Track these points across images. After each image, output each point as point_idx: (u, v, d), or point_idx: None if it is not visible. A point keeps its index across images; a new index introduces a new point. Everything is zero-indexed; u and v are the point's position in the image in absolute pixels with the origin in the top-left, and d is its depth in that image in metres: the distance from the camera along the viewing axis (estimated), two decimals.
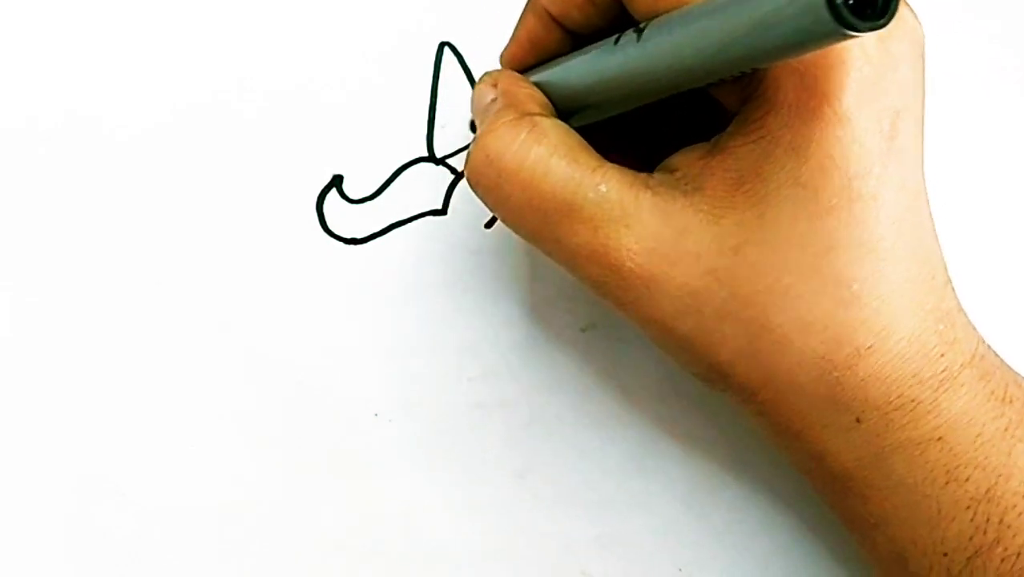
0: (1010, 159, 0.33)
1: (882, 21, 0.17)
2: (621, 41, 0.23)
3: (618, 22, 0.24)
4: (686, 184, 0.22)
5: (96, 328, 0.30)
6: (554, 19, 0.26)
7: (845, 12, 0.17)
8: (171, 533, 0.29)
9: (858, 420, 0.22)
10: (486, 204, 0.25)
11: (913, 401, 0.22)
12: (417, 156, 0.31)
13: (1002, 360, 0.24)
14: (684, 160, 0.23)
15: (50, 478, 0.29)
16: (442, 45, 0.32)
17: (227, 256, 0.30)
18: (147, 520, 0.29)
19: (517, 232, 0.24)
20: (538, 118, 0.24)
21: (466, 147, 0.31)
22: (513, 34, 0.27)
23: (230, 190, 0.31)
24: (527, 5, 0.27)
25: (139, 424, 0.29)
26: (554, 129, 0.24)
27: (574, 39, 0.26)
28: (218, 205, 0.30)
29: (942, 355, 0.22)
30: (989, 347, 0.24)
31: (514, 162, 0.23)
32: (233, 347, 0.30)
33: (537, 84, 0.26)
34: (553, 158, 0.23)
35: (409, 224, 0.31)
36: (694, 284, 0.22)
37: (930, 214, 0.23)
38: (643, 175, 0.23)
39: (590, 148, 0.24)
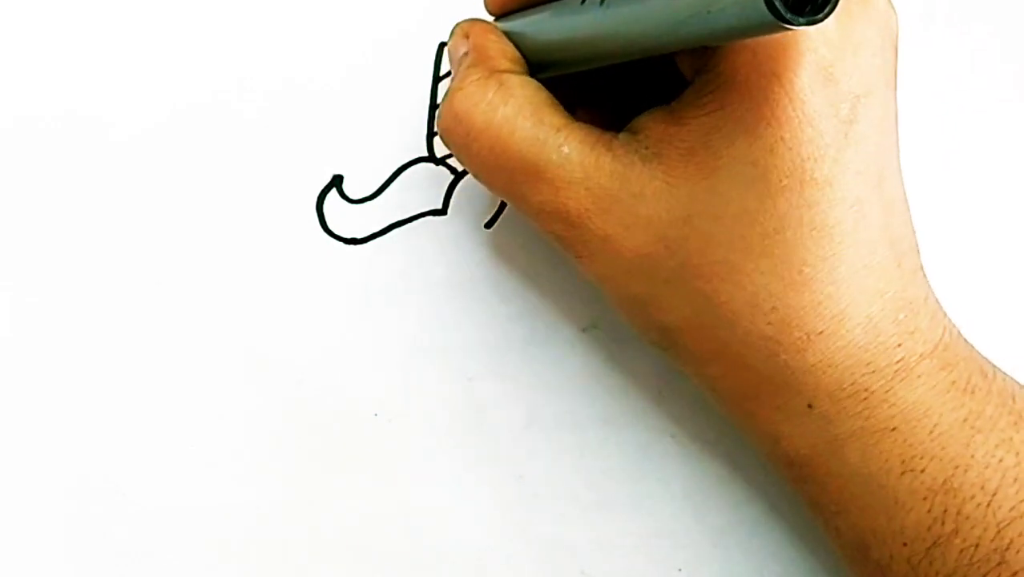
0: (997, 157, 0.33)
1: (819, 16, 0.17)
2: (587, 2, 0.23)
3: None
4: (646, 148, 0.23)
5: (96, 328, 0.30)
6: None
7: (780, 6, 0.17)
8: (171, 533, 0.29)
9: (810, 406, 0.22)
10: (456, 158, 0.26)
11: (866, 390, 0.22)
12: (417, 156, 0.31)
13: (971, 349, 0.23)
14: (647, 123, 0.23)
15: (50, 478, 0.29)
16: (442, 45, 0.32)
17: (227, 256, 0.30)
18: (147, 520, 0.29)
19: (487, 187, 0.25)
20: (506, 76, 0.24)
21: None
22: None
23: (230, 190, 0.30)
24: None
25: (139, 424, 0.29)
26: (521, 88, 0.24)
27: None
28: (218, 205, 0.30)
29: (899, 344, 0.22)
30: (959, 335, 0.23)
31: (481, 121, 0.24)
32: (233, 347, 0.30)
33: (509, 34, 0.26)
34: (519, 118, 0.23)
35: (409, 224, 0.31)
36: (646, 249, 0.22)
37: (903, 199, 0.23)
38: (607, 135, 0.23)
39: (557, 106, 0.24)
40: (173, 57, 0.31)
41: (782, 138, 0.21)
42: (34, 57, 0.31)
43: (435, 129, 0.31)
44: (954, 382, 0.22)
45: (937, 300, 0.23)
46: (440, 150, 0.31)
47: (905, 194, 0.23)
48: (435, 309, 0.30)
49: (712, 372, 0.23)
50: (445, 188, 0.31)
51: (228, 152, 0.31)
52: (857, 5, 0.22)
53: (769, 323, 0.22)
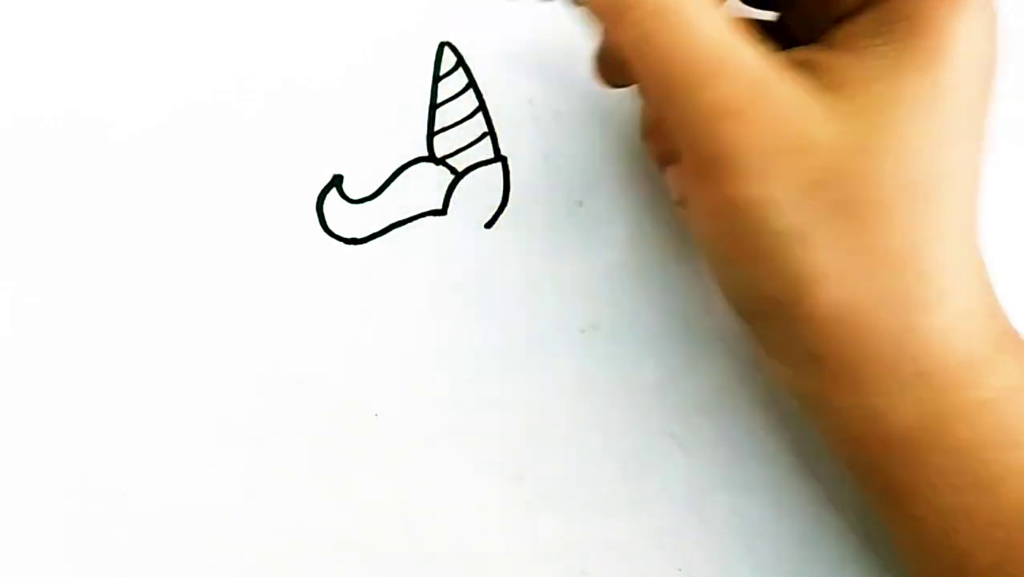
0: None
1: None
2: None
3: None
4: (817, 79, 0.22)
5: (96, 328, 0.30)
6: None
7: None
8: (171, 533, 0.29)
9: (920, 374, 0.21)
10: (624, 36, 0.22)
11: (980, 359, 0.21)
12: (417, 156, 0.31)
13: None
14: (808, 56, 0.22)
15: (50, 478, 0.29)
16: (442, 45, 0.32)
17: (227, 256, 0.30)
18: (147, 520, 0.29)
19: (650, 72, 0.22)
20: None
21: (467, 147, 0.31)
22: None
23: (230, 190, 0.30)
24: None
25: (139, 424, 0.29)
26: None
27: None
28: (218, 205, 0.30)
29: (995, 316, 0.22)
30: None
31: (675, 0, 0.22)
32: (233, 347, 0.30)
33: None
34: (710, 13, 0.22)
35: (409, 224, 0.31)
36: (816, 175, 0.21)
37: None
38: (784, 57, 0.23)
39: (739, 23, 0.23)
40: (173, 57, 0.31)
41: (958, 83, 0.21)
42: (35, 58, 0.31)
43: (435, 129, 0.31)
44: None
45: None
46: (440, 150, 0.31)
47: None
48: (435, 309, 0.30)
49: (834, 335, 0.22)
50: (445, 188, 0.31)
51: (228, 152, 0.31)
52: None
53: (909, 275, 0.21)
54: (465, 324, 0.30)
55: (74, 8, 0.31)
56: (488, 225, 0.31)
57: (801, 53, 0.23)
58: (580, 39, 0.33)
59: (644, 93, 0.23)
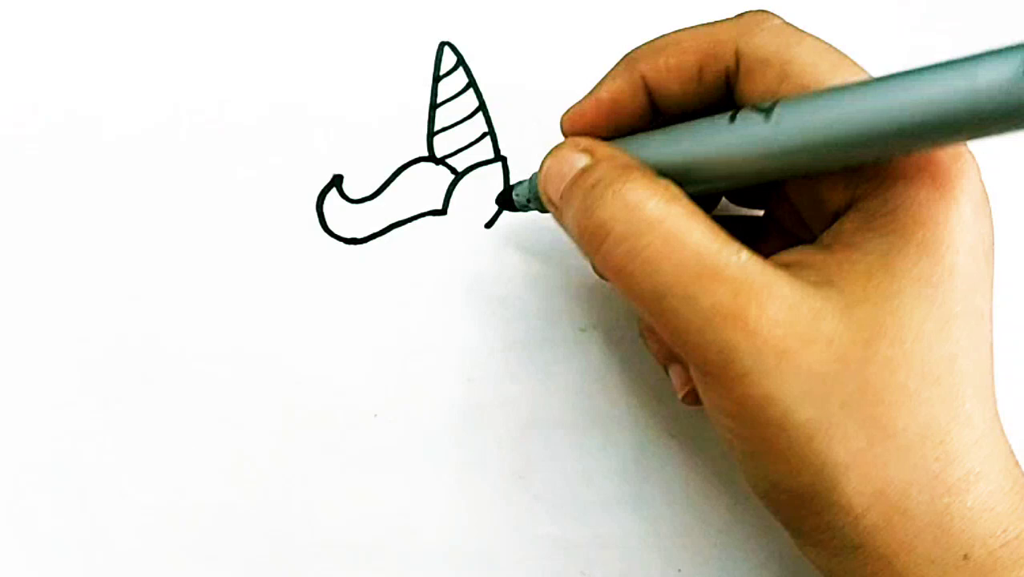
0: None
1: None
2: (740, 118, 0.22)
3: (713, 107, 0.24)
4: (811, 276, 0.22)
5: (96, 328, 0.30)
6: (647, 89, 0.25)
7: None
8: (171, 533, 0.29)
9: (966, 556, 0.21)
10: (608, 257, 0.22)
11: (1017, 537, 0.21)
12: (417, 156, 0.31)
13: None
14: (798, 257, 0.23)
15: (50, 478, 0.29)
16: (442, 45, 0.32)
17: (227, 256, 0.30)
18: (147, 520, 0.29)
19: (639, 287, 0.22)
20: (667, 181, 0.23)
21: (467, 147, 0.31)
22: (590, 94, 0.26)
23: (230, 190, 0.30)
24: (617, 68, 0.26)
25: (139, 424, 0.29)
26: (684, 195, 0.23)
27: (656, 116, 0.25)
28: (218, 205, 0.30)
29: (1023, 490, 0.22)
30: None
31: (657, 212, 0.22)
32: (233, 347, 0.30)
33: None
34: (694, 219, 0.22)
35: (409, 224, 0.31)
36: (825, 368, 0.21)
37: None
38: (771, 260, 0.23)
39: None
40: (173, 57, 0.31)
41: (959, 264, 0.21)
42: (36, 59, 0.31)
43: (435, 129, 0.31)
44: None
45: None
46: (440, 150, 0.31)
47: None
48: (435, 309, 0.30)
49: (868, 522, 0.21)
50: (445, 188, 0.31)
51: (228, 152, 0.31)
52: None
53: (937, 458, 0.21)
54: (465, 324, 0.30)
55: (76, 11, 0.31)
56: (488, 225, 0.31)
57: (791, 255, 0.23)
58: (580, 39, 0.33)
59: (637, 307, 0.23)
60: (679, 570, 0.29)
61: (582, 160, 0.24)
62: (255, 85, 0.31)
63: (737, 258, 0.21)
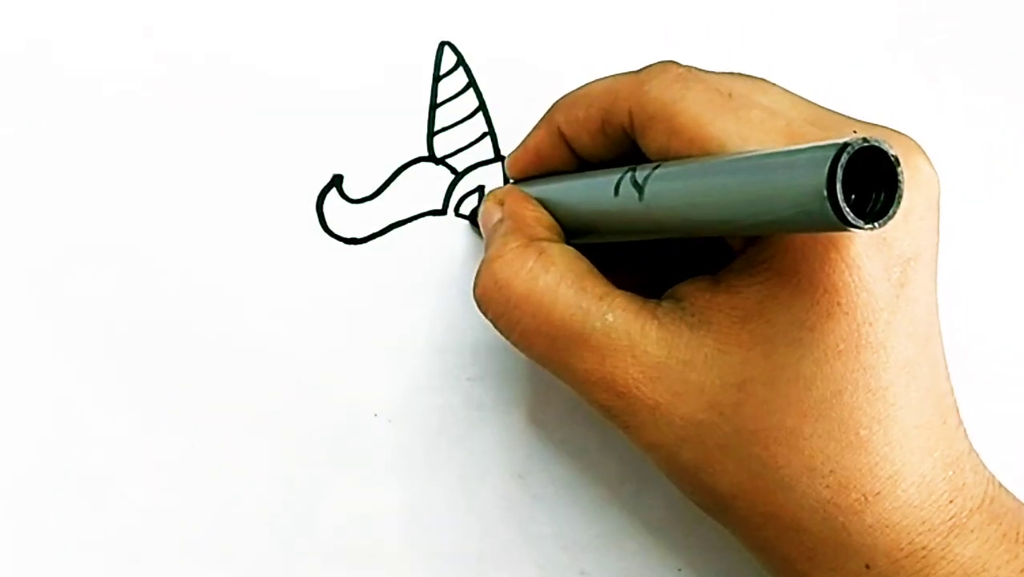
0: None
1: (881, 221, 0.18)
2: (621, 192, 0.23)
3: (627, 155, 0.25)
4: (692, 316, 0.23)
5: (96, 328, 0.30)
6: (564, 139, 0.26)
7: (848, 213, 0.17)
8: (171, 533, 0.29)
9: (868, 567, 0.22)
10: (493, 326, 0.25)
11: (924, 549, 0.22)
12: (417, 156, 0.31)
13: (1014, 498, 0.24)
14: (690, 291, 0.23)
15: (50, 478, 0.29)
16: (442, 45, 0.32)
17: (227, 256, 0.30)
18: (147, 520, 0.29)
19: (526, 354, 0.25)
20: (545, 244, 0.24)
21: (467, 147, 0.31)
22: (523, 141, 0.28)
23: (230, 190, 0.30)
24: (543, 117, 0.27)
25: (139, 424, 0.29)
26: (561, 256, 0.24)
27: (580, 161, 0.27)
28: (218, 204, 0.30)
29: (951, 501, 0.22)
30: (1001, 486, 0.23)
31: (523, 288, 0.24)
32: (233, 347, 0.30)
33: (540, 199, 0.27)
34: (561, 286, 0.23)
35: (409, 224, 0.31)
36: (698, 416, 0.22)
37: (943, 357, 0.23)
38: (650, 303, 0.23)
39: (597, 274, 0.24)
40: (173, 57, 0.31)
41: (839, 303, 0.21)
42: (37, 60, 0.31)
43: (435, 129, 0.31)
44: (1005, 534, 0.22)
45: (977, 454, 0.23)
46: (440, 150, 0.31)
47: (943, 349, 0.23)
48: (435, 309, 0.30)
49: (766, 535, 0.23)
50: (445, 188, 0.31)
51: (228, 152, 0.31)
52: (905, 171, 0.22)
53: (827, 486, 0.21)
54: (465, 324, 0.30)
55: (77, 13, 0.31)
56: None
57: (686, 286, 0.24)
58: (580, 39, 0.33)
59: None
60: (679, 570, 0.30)
61: (496, 214, 0.27)
62: (255, 85, 0.31)
63: (602, 322, 0.23)
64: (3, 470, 0.29)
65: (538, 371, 0.30)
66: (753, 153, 0.20)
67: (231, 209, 0.30)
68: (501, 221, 0.26)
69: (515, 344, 0.25)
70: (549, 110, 0.27)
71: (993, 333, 0.32)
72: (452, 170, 0.31)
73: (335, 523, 0.29)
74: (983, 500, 0.22)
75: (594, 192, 0.25)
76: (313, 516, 0.29)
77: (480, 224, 0.28)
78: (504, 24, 0.32)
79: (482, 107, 0.32)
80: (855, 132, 0.22)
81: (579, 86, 0.27)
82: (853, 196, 0.17)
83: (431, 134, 0.31)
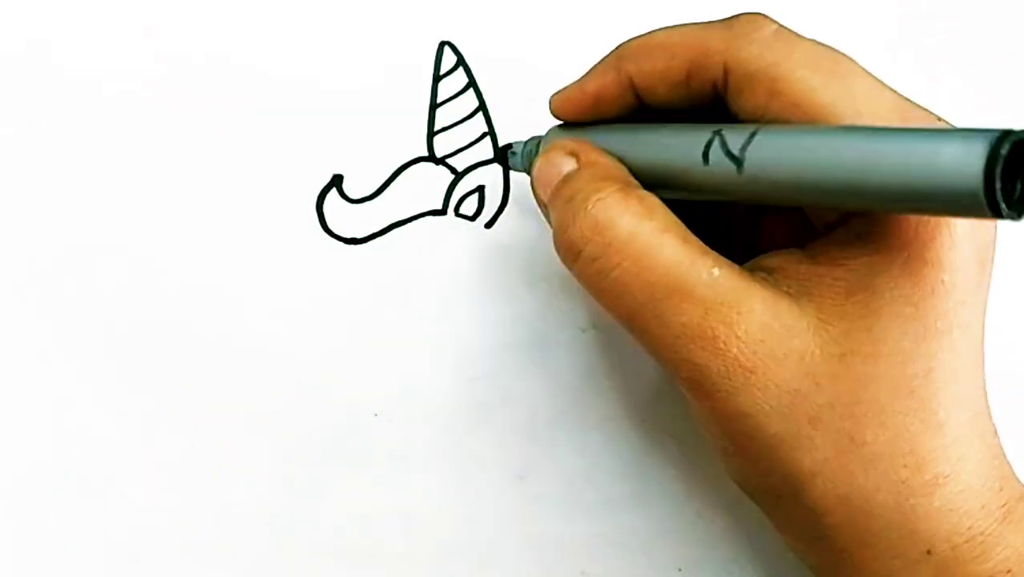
0: None
1: (1021, 213, 0.17)
2: (712, 160, 0.22)
3: (705, 109, 0.24)
4: (789, 287, 0.22)
5: (96, 328, 0.30)
6: (635, 88, 0.25)
7: (1003, 203, 0.17)
8: (171, 533, 0.29)
9: (929, 552, 0.22)
10: (582, 274, 0.23)
11: (982, 533, 0.22)
12: (417, 156, 0.31)
13: None
14: (781, 263, 0.23)
15: (50, 478, 0.29)
16: (442, 45, 0.32)
17: (227, 255, 0.30)
18: (147, 520, 0.29)
19: (612, 305, 0.23)
20: (643, 193, 0.23)
21: (467, 147, 0.31)
22: (579, 82, 0.26)
23: (230, 190, 0.30)
24: (607, 59, 0.26)
25: (139, 424, 0.29)
26: (661, 207, 0.23)
27: (642, 109, 0.25)
28: (218, 204, 0.30)
29: (1001, 489, 0.22)
30: None
31: (626, 232, 0.22)
32: (233, 347, 0.30)
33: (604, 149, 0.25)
34: (667, 234, 0.22)
35: (409, 224, 0.31)
36: (795, 384, 0.22)
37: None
38: (747, 268, 0.23)
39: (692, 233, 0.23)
40: (173, 58, 0.31)
41: (942, 280, 0.21)
42: (37, 61, 0.31)
43: (435, 129, 0.31)
44: None
45: None
46: (440, 150, 0.31)
47: None
48: (435, 309, 0.30)
49: (833, 520, 0.22)
50: (445, 188, 0.31)
51: (229, 152, 0.31)
52: None
53: (905, 465, 0.21)
54: (465, 324, 0.30)
55: (78, 16, 0.31)
56: (488, 225, 0.31)
57: (773, 258, 0.23)
58: (581, 39, 0.33)
59: (614, 317, 0.23)
60: (679, 569, 0.30)
61: (568, 165, 0.24)
62: (255, 85, 0.31)
63: (708, 275, 0.22)
64: (3, 470, 0.29)
65: (538, 371, 0.30)
66: (894, 128, 0.20)
67: (231, 209, 0.30)
68: (579, 169, 0.24)
69: (605, 291, 0.23)
70: (613, 54, 0.25)
71: (992, 331, 0.32)
72: (452, 170, 0.31)
73: (335, 523, 0.29)
74: (1023, 494, 0.23)
75: (677, 153, 0.23)
76: (313, 516, 0.29)
77: (539, 176, 0.25)
78: (504, 24, 0.32)
79: (482, 107, 0.32)
80: (940, 121, 0.22)
81: (649, 33, 0.25)
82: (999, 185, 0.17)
83: (431, 134, 0.31)
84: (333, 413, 0.30)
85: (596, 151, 0.25)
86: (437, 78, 0.32)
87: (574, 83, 0.26)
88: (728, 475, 0.25)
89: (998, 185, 0.17)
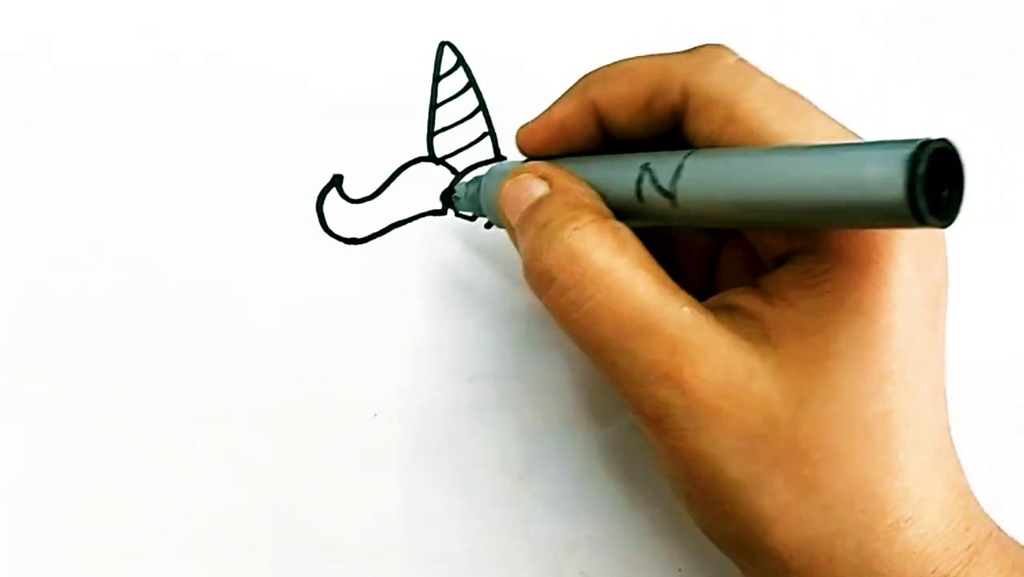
0: None
1: (947, 221, 0.18)
2: (646, 196, 0.22)
3: (663, 138, 0.24)
4: (750, 328, 0.22)
5: (96, 327, 0.30)
6: (597, 115, 0.25)
7: (925, 210, 0.17)
8: (171, 533, 0.29)
9: None
10: (552, 303, 0.23)
11: (948, 575, 0.21)
12: (417, 156, 0.31)
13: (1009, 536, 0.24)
14: (743, 302, 0.23)
15: (50, 478, 0.29)
16: (442, 45, 0.32)
17: (227, 255, 0.30)
18: (147, 520, 0.29)
19: (580, 337, 0.23)
20: (617, 224, 0.23)
21: (467, 147, 0.31)
22: (544, 113, 0.26)
23: (230, 190, 0.30)
24: (573, 89, 0.26)
25: (138, 424, 0.29)
26: (634, 240, 0.23)
27: (607, 140, 0.26)
28: (218, 205, 0.30)
29: (967, 528, 0.22)
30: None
31: (601, 265, 0.22)
32: (233, 347, 0.30)
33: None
34: (640, 269, 0.22)
35: (409, 224, 0.31)
36: (755, 428, 0.21)
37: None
38: (713, 307, 0.23)
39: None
40: (173, 58, 0.31)
41: (894, 323, 0.21)
42: (38, 63, 0.31)
43: (435, 129, 0.31)
44: (1015, 564, 0.22)
45: None
46: (440, 150, 0.31)
47: None
48: (435, 309, 0.30)
49: (795, 565, 0.22)
50: (445, 188, 0.31)
51: (229, 152, 0.31)
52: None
53: (864, 509, 0.21)
54: (465, 324, 0.30)
55: (78, 17, 0.31)
56: (488, 225, 0.31)
57: (733, 296, 0.23)
58: (581, 39, 0.33)
59: (580, 348, 0.23)
60: (679, 570, 0.29)
61: (539, 188, 0.24)
62: (255, 85, 0.31)
63: (678, 314, 0.22)
64: (3, 470, 0.29)
65: (538, 371, 0.30)
66: (816, 145, 0.20)
67: (231, 209, 0.30)
68: (552, 194, 0.24)
69: (574, 322, 0.22)
70: (580, 83, 0.26)
71: (993, 327, 0.32)
72: (452, 170, 0.31)
73: (335, 523, 0.29)
74: (991, 530, 0.22)
75: (616, 187, 0.23)
76: (313, 516, 0.29)
77: (507, 198, 0.25)
78: (504, 24, 0.32)
79: (482, 107, 0.32)
80: None
81: (613, 62, 0.25)
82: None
83: (431, 134, 0.31)
84: (333, 413, 0.30)
85: (567, 175, 0.24)
86: (437, 78, 0.32)
87: (540, 115, 0.26)
88: (694, 522, 0.25)
89: (920, 194, 0.17)
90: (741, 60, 0.23)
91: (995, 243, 0.33)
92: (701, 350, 0.21)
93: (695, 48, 0.24)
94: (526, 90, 0.31)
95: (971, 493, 0.23)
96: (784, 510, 0.22)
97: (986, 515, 0.23)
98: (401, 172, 0.31)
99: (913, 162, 0.17)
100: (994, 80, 0.34)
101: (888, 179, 0.17)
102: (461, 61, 0.32)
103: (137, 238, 0.30)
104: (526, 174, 0.25)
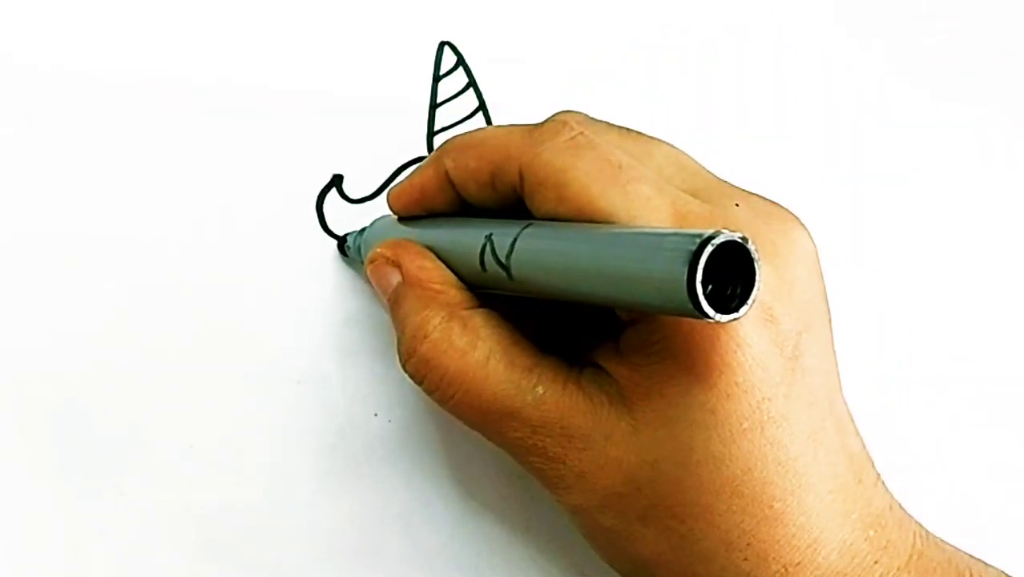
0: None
1: (737, 314, 0.18)
2: (488, 267, 0.23)
3: (515, 207, 0.24)
4: (609, 387, 0.23)
5: (95, 327, 0.30)
6: (451, 182, 0.26)
7: (705, 306, 0.17)
8: (171, 533, 0.29)
9: None
10: (428, 396, 0.25)
11: None
12: (417, 156, 0.31)
13: (945, 549, 0.23)
14: (604, 361, 0.23)
15: (50, 478, 0.29)
16: (442, 45, 0.32)
17: (227, 255, 0.30)
18: (147, 520, 0.29)
19: (459, 419, 0.25)
20: (466, 314, 0.24)
21: None
22: (409, 177, 0.28)
23: (230, 190, 0.30)
24: (432, 156, 0.27)
25: (138, 423, 0.29)
26: (485, 326, 0.24)
27: (463, 205, 0.26)
28: (218, 204, 0.30)
29: (876, 561, 0.22)
30: (929, 537, 0.23)
31: (454, 369, 0.24)
32: (232, 347, 0.30)
33: (429, 246, 0.26)
34: (490, 362, 0.24)
35: None
36: (618, 488, 0.22)
37: (849, 417, 0.23)
38: (575, 371, 0.24)
39: (523, 341, 0.24)
40: (173, 57, 0.31)
41: (736, 383, 0.21)
42: (37, 63, 0.31)
43: (435, 129, 0.32)
44: None
45: (902, 506, 0.23)
46: None
47: (849, 408, 0.23)
48: None
49: None
50: None
51: (229, 152, 0.31)
52: (784, 244, 0.22)
53: (745, 559, 0.21)
54: None
55: (77, 16, 0.31)
56: None
57: (600, 353, 0.24)
58: (581, 39, 0.33)
59: None
60: None
61: (394, 277, 0.26)
62: (255, 85, 0.31)
63: (533, 396, 0.23)
64: (3, 470, 0.29)
65: None
66: (623, 230, 0.21)
67: (231, 209, 0.30)
68: (405, 288, 0.26)
69: (449, 411, 0.25)
70: (438, 150, 0.27)
71: (993, 323, 0.32)
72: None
73: (335, 523, 0.29)
74: (910, 556, 0.22)
75: (464, 256, 0.25)
76: (312, 516, 0.29)
77: (374, 282, 0.27)
78: (504, 24, 0.32)
79: (482, 107, 0.32)
80: (737, 204, 0.23)
81: (473, 130, 0.26)
82: (711, 286, 0.18)
83: (431, 134, 0.31)
84: (333, 413, 0.30)
85: (416, 255, 0.26)
86: (437, 78, 0.32)
87: (406, 177, 0.28)
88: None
89: (700, 290, 0.17)
90: (579, 133, 0.24)
91: (995, 243, 0.33)
92: (558, 425, 0.23)
93: (540, 123, 0.24)
94: (526, 90, 0.32)
95: (888, 519, 0.23)
96: (661, 558, 0.22)
97: (912, 537, 0.23)
98: (401, 172, 0.31)
99: (694, 258, 0.17)
100: (994, 80, 0.34)
101: (672, 272, 0.18)
102: (461, 61, 0.32)
103: (136, 237, 0.30)
104: (379, 262, 0.27)
